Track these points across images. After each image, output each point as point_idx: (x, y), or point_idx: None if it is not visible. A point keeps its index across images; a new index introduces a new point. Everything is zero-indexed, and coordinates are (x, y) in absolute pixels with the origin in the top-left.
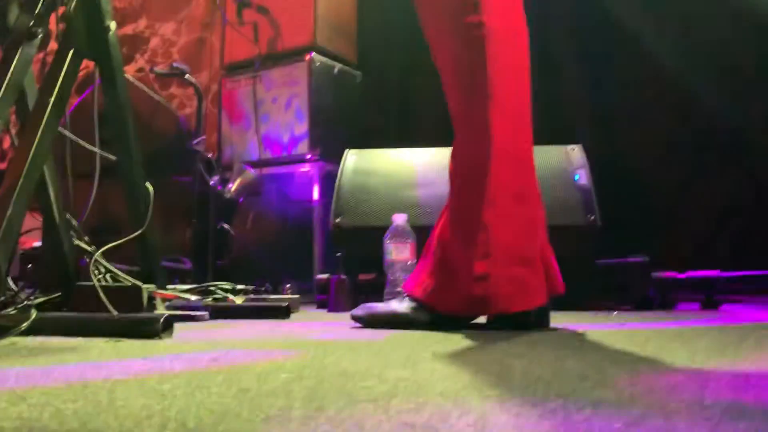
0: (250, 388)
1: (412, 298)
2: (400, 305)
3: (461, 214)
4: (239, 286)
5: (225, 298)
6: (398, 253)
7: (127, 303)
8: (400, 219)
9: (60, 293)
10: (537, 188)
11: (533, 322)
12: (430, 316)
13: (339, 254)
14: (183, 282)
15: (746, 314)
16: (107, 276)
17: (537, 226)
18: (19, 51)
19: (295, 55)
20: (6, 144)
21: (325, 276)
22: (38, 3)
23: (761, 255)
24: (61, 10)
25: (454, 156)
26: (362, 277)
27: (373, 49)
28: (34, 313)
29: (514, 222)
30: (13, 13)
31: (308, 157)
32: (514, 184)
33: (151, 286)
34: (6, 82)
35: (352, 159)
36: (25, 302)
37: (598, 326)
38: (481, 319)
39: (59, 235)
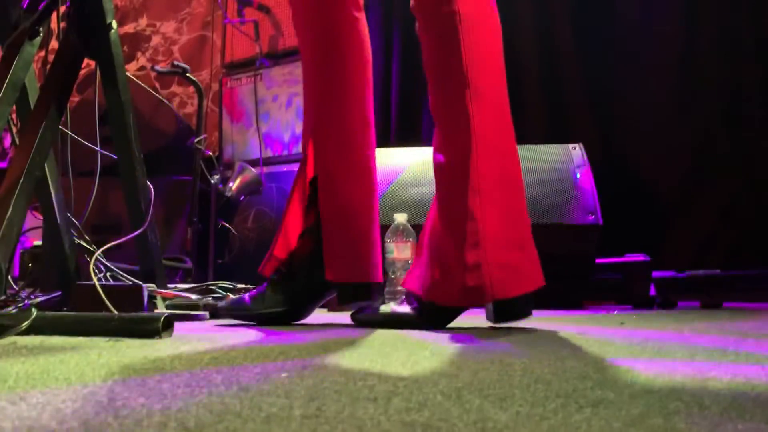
0: (250, 387)
1: (410, 294)
2: (400, 305)
3: (448, 206)
4: (240, 285)
5: (225, 297)
6: (399, 252)
7: (127, 302)
8: (401, 218)
9: (60, 292)
10: (520, 175)
11: (533, 305)
12: (429, 314)
13: None
14: (184, 281)
15: (747, 314)
16: (108, 275)
17: (524, 211)
18: (21, 50)
19: (296, 53)
20: (7, 143)
21: None
22: (40, 1)
23: (761, 254)
24: (62, 8)
25: (436, 149)
26: None
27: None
28: (34, 313)
29: (501, 209)
30: (15, 12)
31: None
32: (498, 172)
33: (152, 285)
34: (7, 81)
35: None
36: (26, 301)
37: (598, 326)
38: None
39: (60, 233)
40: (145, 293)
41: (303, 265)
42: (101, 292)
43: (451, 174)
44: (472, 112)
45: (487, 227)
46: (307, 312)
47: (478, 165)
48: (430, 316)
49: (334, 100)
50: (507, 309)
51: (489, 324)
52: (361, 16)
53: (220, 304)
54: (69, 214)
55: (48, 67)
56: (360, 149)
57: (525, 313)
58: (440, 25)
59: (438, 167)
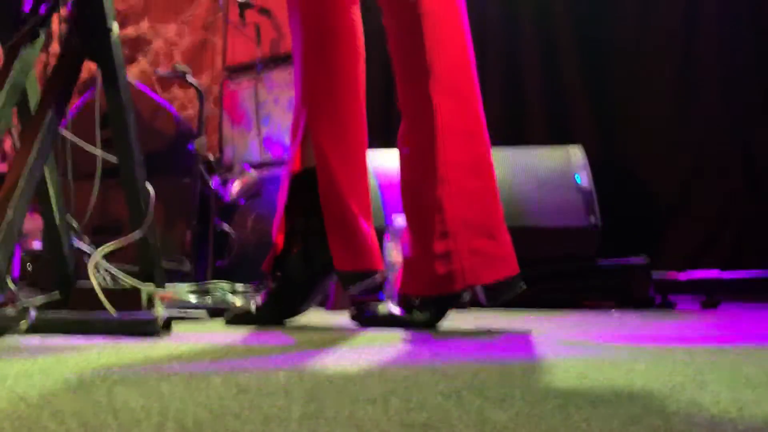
0: (249, 388)
1: (398, 293)
2: (397, 305)
3: (415, 196)
4: (239, 287)
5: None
6: (399, 253)
7: (126, 303)
8: (400, 219)
9: (59, 293)
10: (491, 162)
11: (508, 291)
12: (413, 307)
13: None
14: (183, 282)
15: (746, 314)
16: (107, 276)
17: (495, 198)
18: (21, 52)
19: None
20: (7, 145)
21: None
22: (41, 4)
23: (761, 255)
24: (63, 11)
25: (401, 140)
26: None
27: (374, 50)
28: (33, 313)
29: (469, 196)
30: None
31: None
32: (465, 158)
33: (151, 286)
34: (8, 84)
35: None
36: (25, 302)
37: (599, 326)
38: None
39: (59, 235)
40: (144, 294)
41: (297, 264)
42: (100, 293)
43: (416, 164)
44: (435, 98)
45: (456, 216)
46: (312, 300)
47: (443, 153)
48: (415, 308)
49: (327, 90)
50: (497, 289)
51: (487, 325)
52: (356, 9)
53: (227, 315)
54: (69, 216)
55: (49, 70)
56: (353, 142)
57: (516, 290)
58: (403, 15)
59: (404, 158)
